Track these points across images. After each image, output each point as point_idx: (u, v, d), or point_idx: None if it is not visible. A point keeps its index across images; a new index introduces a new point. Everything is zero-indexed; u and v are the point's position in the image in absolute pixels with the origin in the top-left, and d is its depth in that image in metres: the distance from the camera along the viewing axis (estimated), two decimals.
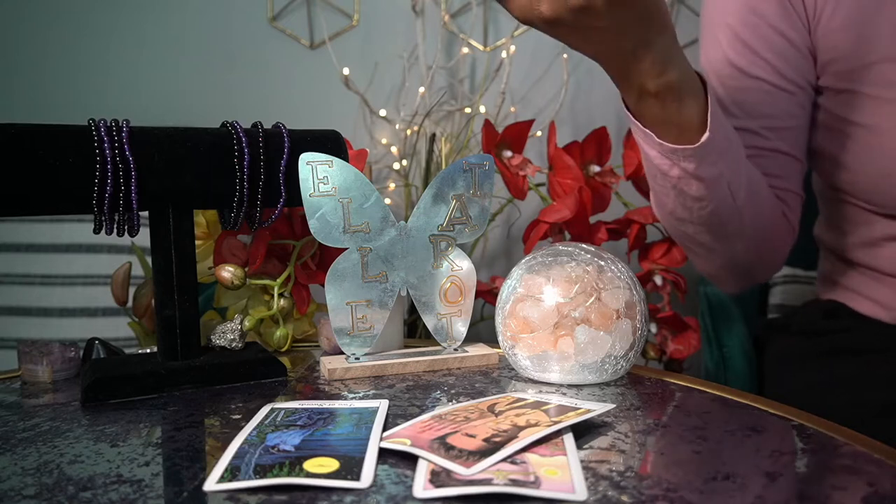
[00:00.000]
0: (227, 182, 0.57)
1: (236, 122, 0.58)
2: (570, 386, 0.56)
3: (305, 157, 0.57)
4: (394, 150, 1.33)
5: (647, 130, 0.62)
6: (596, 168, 0.86)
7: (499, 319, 0.60)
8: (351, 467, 0.39)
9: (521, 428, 0.43)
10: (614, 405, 0.50)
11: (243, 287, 0.64)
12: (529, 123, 0.85)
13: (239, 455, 0.41)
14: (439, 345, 0.63)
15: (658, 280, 0.84)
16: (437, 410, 0.48)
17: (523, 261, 0.60)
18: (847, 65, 0.70)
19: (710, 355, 0.91)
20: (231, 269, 0.63)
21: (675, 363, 0.85)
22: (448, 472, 0.38)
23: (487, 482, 0.36)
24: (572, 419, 0.44)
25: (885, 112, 0.69)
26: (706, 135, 0.61)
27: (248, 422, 0.47)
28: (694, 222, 0.70)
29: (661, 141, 0.62)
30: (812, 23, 0.71)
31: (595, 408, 0.46)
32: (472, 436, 0.42)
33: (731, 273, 0.78)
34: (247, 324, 0.62)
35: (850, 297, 0.81)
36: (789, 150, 0.74)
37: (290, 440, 0.43)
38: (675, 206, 0.69)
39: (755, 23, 0.72)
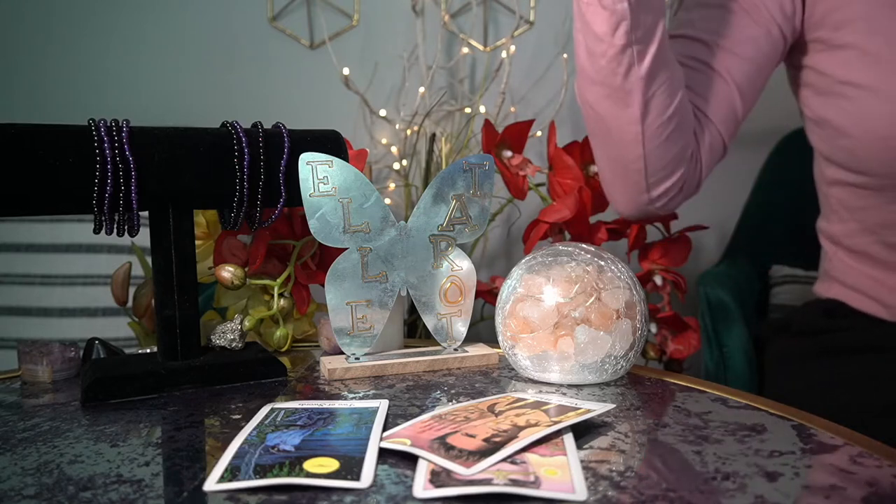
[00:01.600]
0: (227, 182, 0.57)
1: (236, 122, 0.58)
2: (570, 386, 0.56)
3: (305, 157, 0.57)
4: (394, 150, 1.33)
5: None
6: (596, 168, 0.86)
7: (499, 319, 0.60)
8: (351, 467, 0.39)
9: (521, 428, 0.43)
10: (614, 405, 0.50)
11: (243, 287, 0.64)
12: (529, 123, 0.85)
13: (239, 455, 0.41)
14: (439, 345, 0.63)
15: (658, 280, 0.84)
16: (437, 410, 0.48)
17: (523, 261, 0.60)
18: (847, 14, 0.70)
19: (710, 355, 0.91)
20: (231, 269, 0.63)
21: (675, 363, 0.85)
22: (448, 472, 0.38)
23: (487, 482, 0.36)
24: (572, 419, 0.44)
25: (883, 71, 0.69)
26: None
27: (248, 422, 0.47)
28: (596, 81, 0.68)
29: None
30: None
31: (595, 408, 0.46)
32: (472, 436, 0.42)
33: (622, 179, 0.74)
34: (247, 324, 0.62)
35: (850, 294, 0.81)
36: (728, 74, 0.73)
37: (290, 440, 0.43)
38: (583, 54, 0.68)
39: None
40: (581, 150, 0.85)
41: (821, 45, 0.73)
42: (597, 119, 0.72)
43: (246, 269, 0.65)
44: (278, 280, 0.66)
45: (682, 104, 0.70)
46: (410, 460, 0.40)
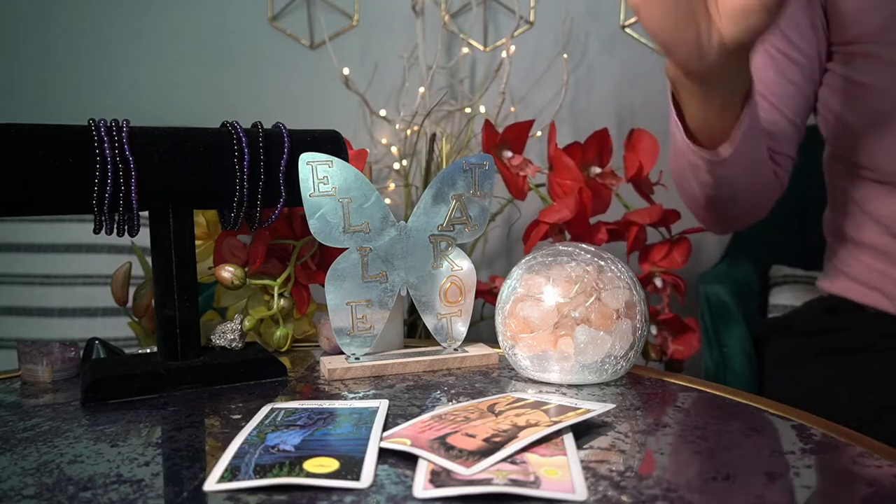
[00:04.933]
0: (227, 182, 0.57)
1: (236, 122, 0.58)
2: (570, 386, 0.56)
3: (305, 157, 0.57)
4: (394, 150, 1.33)
5: (677, 120, 0.67)
6: (597, 169, 0.86)
7: (499, 319, 0.60)
8: (351, 467, 0.39)
9: (521, 428, 0.43)
10: (614, 405, 0.50)
11: (243, 287, 0.64)
12: (529, 123, 0.85)
13: (239, 455, 0.41)
14: (439, 345, 0.63)
15: (658, 282, 0.84)
16: (437, 410, 0.48)
17: (523, 261, 0.60)
18: (869, 26, 0.73)
19: (710, 355, 0.91)
20: (231, 269, 0.63)
21: (676, 363, 0.85)
22: (448, 472, 0.38)
23: (487, 482, 0.36)
24: (572, 419, 0.44)
25: None
26: (729, 150, 0.66)
27: (248, 422, 0.47)
28: (698, 192, 0.76)
29: (683, 134, 0.67)
30: None
31: (595, 408, 0.46)
32: (472, 436, 0.42)
33: (720, 223, 0.84)
34: (247, 324, 0.62)
35: (855, 287, 0.81)
36: (792, 116, 0.79)
37: (290, 440, 0.43)
38: (687, 175, 0.75)
39: None
40: (581, 151, 0.85)
41: (839, 54, 0.77)
42: (693, 201, 0.81)
43: (246, 269, 0.65)
44: (278, 280, 0.66)
45: (770, 173, 0.78)
46: (410, 460, 0.40)
